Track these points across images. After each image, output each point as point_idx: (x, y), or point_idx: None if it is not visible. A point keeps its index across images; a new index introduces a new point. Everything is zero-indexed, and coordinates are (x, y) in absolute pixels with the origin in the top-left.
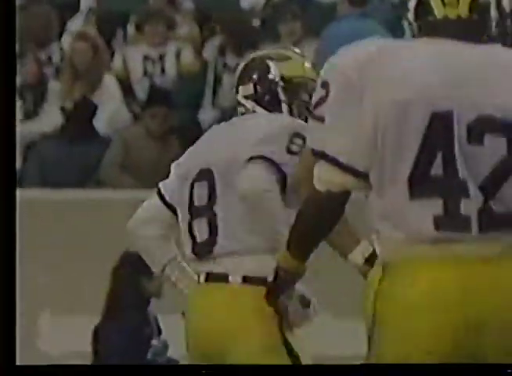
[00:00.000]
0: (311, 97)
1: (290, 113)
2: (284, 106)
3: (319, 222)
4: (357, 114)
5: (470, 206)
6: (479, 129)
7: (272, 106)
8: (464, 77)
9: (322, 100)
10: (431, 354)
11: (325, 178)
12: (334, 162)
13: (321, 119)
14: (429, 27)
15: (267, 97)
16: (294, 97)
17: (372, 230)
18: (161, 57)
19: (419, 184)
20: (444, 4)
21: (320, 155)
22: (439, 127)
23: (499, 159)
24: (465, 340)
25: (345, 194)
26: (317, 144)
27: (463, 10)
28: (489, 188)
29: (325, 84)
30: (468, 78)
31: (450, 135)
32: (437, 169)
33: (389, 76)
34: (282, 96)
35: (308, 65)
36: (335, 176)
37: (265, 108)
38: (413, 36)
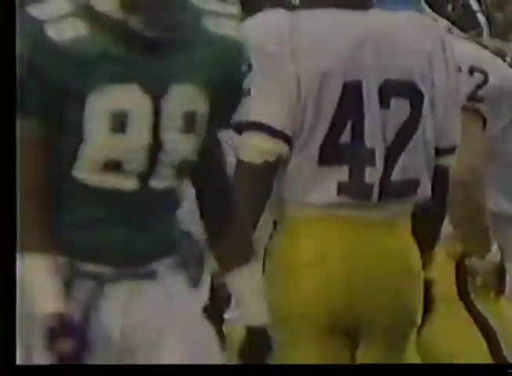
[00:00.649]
0: None
1: None
2: None
3: (257, 196)
4: (281, 84)
5: (374, 174)
6: (386, 94)
7: None
8: (368, 44)
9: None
10: (312, 306)
11: (261, 147)
12: (269, 130)
13: (247, 91)
14: None
15: None
16: None
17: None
18: None
19: (328, 151)
20: None
21: (252, 125)
22: (350, 96)
23: (403, 121)
24: (342, 296)
25: (278, 162)
26: (247, 116)
27: None
28: (391, 155)
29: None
30: (372, 45)
31: (360, 104)
32: (345, 138)
33: (305, 46)
34: None
35: None
36: (270, 144)
37: None
38: (293, 7)
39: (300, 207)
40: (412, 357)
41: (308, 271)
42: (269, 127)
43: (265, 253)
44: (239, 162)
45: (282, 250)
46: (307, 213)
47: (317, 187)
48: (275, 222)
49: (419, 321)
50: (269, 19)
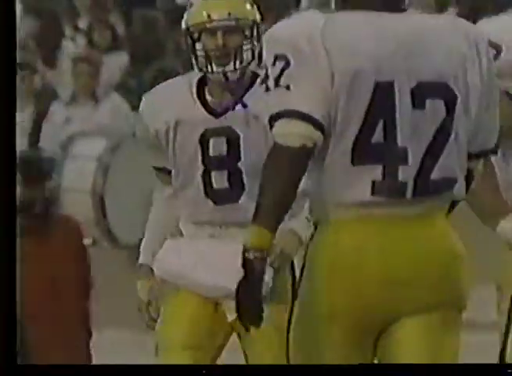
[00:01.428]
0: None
1: (197, 65)
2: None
3: (293, 178)
4: (317, 80)
5: (407, 173)
6: (420, 95)
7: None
8: (402, 46)
9: (283, 70)
10: (352, 307)
11: (300, 132)
12: (309, 118)
13: (287, 87)
14: None
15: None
16: (194, 47)
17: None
18: None
19: (361, 150)
20: None
21: (293, 114)
22: (382, 96)
23: (440, 122)
24: (382, 295)
25: (314, 149)
26: (287, 106)
27: None
28: (430, 154)
29: (282, 57)
30: (406, 47)
31: (392, 104)
32: (378, 137)
33: (338, 46)
34: (188, 47)
35: (214, 8)
36: (309, 131)
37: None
38: (337, 8)
39: (337, 206)
40: (453, 342)
41: (347, 271)
42: (307, 115)
43: (306, 253)
44: (276, 146)
45: (321, 250)
46: (344, 212)
47: (352, 186)
48: (316, 224)
49: (466, 304)
50: (303, 19)
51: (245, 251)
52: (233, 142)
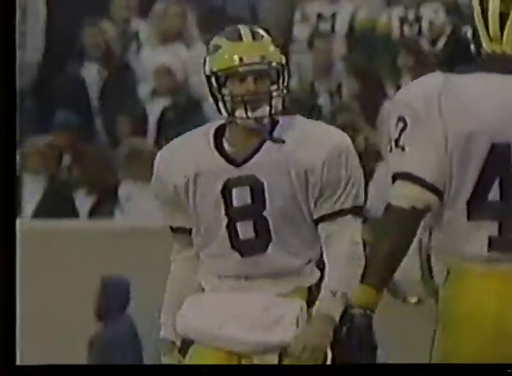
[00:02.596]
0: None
1: (218, 110)
2: (217, 103)
3: (402, 239)
4: (431, 142)
5: None
6: None
7: (215, 103)
8: None
9: (401, 131)
10: (471, 356)
11: (411, 195)
12: (420, 181)
13: (402, 148)
14: (482, 60)
15: (210, 93)
16: (220, 92)
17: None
18: None
19: (477, 207)
20: (490, 39)
21: (405, 176)
22: (498, 156)
23: None
24: (498, 345)
25: (426, 211)
26: (401, 168)
27: (507, 46)
28: None
29: (401, 119)
30: None
31: (507, 164)
32: (494, 194)
33: (454, 109)
34: (213, 92)
35: (243, 53)
36: (420, 194)
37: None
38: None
39: (458, 259)
40: None
41: (466, 323)
42: (420, 178)
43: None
44: (389, 206)
45: (447, 298)
46: (465, 266)
47: (469, 241)
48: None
49: None
50: (421, 82)
51: (351, 307)
52: (257, 190)
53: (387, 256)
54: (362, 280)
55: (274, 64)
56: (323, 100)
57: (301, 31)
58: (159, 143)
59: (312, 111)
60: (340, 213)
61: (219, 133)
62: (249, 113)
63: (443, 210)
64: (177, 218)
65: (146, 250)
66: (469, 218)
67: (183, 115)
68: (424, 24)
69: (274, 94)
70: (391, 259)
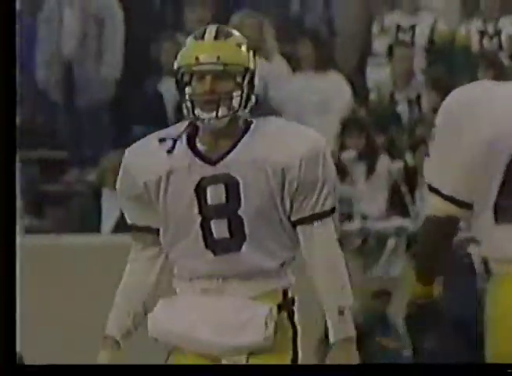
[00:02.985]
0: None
1: (186, 109)
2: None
3: (437, 244)
4: (457, 150)
5: None
6: None
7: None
8: None
9: (431, 140)
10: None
11: (432, 204)
12: (437, 192)
13: (428, 156)
14: None
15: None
16: (184, 91)
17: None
18: None
19: (503, 210)
20: None
21: (428, 186)
22: None
23: None
24: None
25: (449, 219)
26: (426, 177)
27: None
28: None
29: (434, 126)
30: None
31: None
32: None
33: (484, 117)
34: (179, 90)
35: (206, 51)
36: (439, 203)
37: None
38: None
39: (493, 261)
40: None
41: (502, 323)
42: (437, 190)
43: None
44: (426, 215)
45: (489, 298)
46: (497, 267)
47: (498, 244)
48: None
49: None
50: (461, 90)
51: (415, 299)
52: (232, 188)
53: (430, 260)
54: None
55: (233, 66)
56: (402, 108)
57: (379, 44)
58: None
59: (391, 119)
60: (322, 215)
61: (192, 132)
62: (200, 114)
63: (471, 216)
64: (143, 216)
65: None
66: (496, 220)
67: None
68: (504, 38)
69: (233, 95)
70: (433, 262)
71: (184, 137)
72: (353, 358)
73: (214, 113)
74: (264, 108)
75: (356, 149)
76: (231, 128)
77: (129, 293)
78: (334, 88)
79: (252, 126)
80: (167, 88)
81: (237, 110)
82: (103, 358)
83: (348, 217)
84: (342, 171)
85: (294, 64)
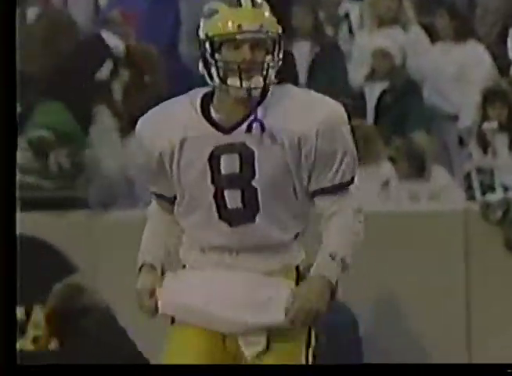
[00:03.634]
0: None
1: (210, 76)
2: (209, 69)
3: None
4: None
5: None
6: None
7: (207, 68)
8: None
9: None
10: None
11: None
12: None
13: None
14: None
15: (201, 58)
16: (214, 58)
17: None
18: None
19: None
20: None
21: None
22: None
23: None
24: None
25: None
26: None
27: None
28: None
29: None
30: None
31: None
32: None
33: None
34: (208, 58)
35: (239, 19)
36: None
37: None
38: None
39: None
40: None
41: None
42: None
43: None
44: None
45: None
46: None
47: None
48: None
49: None
50: None
51: None
52: (247, 159)
53: None
54: None
55: (271, 33)
56: None
57: None
58: (378, 127)
59: None
60: (341, 186)
61: (205, 100)
62: (243, 83)
63: None
64: (158, 186)
65: None
66: None
67: (401, 98)
68: None
69: (270, 64)
70: None
71: (198, 105)
72: (319, 301)
73: (254, 82)
74: (402, 76)
75: (498, 120)
76: (250, 96)
77: (156, 228)
78: (473, 58)
79: (268, 94)
80: (300, 50)
81: (272, 82)
82: (145, 278)
83: (490, 188)
84: (483, 142)
85: (433, 35)
